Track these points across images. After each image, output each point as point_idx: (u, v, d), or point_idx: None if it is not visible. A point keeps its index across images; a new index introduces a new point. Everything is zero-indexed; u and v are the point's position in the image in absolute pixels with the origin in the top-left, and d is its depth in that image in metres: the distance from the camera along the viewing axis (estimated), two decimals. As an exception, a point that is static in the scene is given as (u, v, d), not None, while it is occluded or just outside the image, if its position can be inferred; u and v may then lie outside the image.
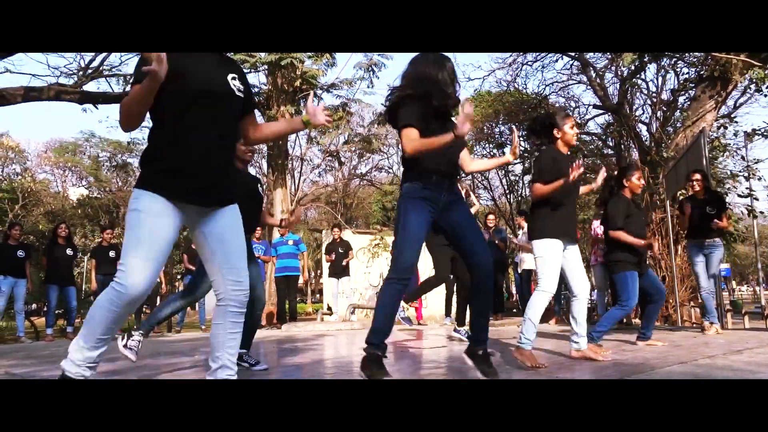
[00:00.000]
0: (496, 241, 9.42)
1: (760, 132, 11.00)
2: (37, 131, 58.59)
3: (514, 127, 3.48)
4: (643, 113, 12.36)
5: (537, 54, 12.21)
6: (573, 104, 14.27)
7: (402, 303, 5.21)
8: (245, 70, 12.73)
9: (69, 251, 8.67)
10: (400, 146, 3.00)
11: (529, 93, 14.20)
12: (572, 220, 3.77)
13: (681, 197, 6.66)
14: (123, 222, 27.80)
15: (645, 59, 9.23)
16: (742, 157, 11.34)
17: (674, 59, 10.31)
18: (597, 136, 13.80)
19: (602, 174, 4.31)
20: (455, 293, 5.48)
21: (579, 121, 13.54)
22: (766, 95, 10.72)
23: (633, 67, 9.92)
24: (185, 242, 12.63)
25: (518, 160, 17.03)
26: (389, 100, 2.96)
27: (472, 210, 5.38)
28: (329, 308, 10.51)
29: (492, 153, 18.37)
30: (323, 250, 11.32)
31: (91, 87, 10.29)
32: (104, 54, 9.80)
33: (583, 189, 4.18)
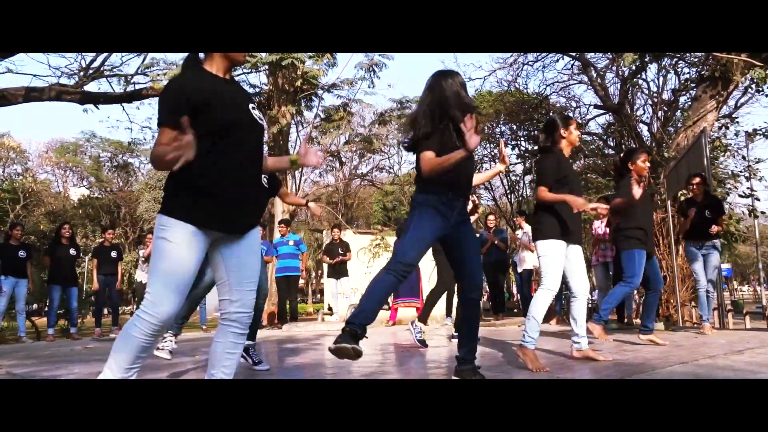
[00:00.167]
0: (497, 242, 9.42)
1: (761, 132, 10.99)
2: (38, 131, 58.72)
3: (501, 141, 3.49)
4: (644, 113, 12.37)
5: (538, 54, 12.21)
6: (574, 104, 14.28)
7: (420, 325, 5.21)
8: (246, 70, 12.79)
9: (72, 251, 8.68)
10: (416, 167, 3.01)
11: (530, 93, 14.20)
12: (576, 220, 3.77)
13: (682, 197, 6.67)
14: (124, 222, 27.87)
15: (646, 59, 9.22)
16: (743, 157, 11.33)
17: (675, 59, 10.30)
18: (598, 136, 13.79)
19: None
20: (456, 294, 5.46)
21: (580, 122, 13.55)
22: (767, 95, 10.72)
23: (634, 67, 9.91)
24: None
25: (519, 160, 17.05)
26: (415, 136, 2.95)
27: (475, 216, 5.40)
28: (330, 308, 10.50)
29: (493, 153, 18.38)
30: (323, 252, 11.31)
31: (92, 87, 10.29)
32: (105, 54, 9.82)
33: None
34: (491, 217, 9.99)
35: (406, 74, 46.64)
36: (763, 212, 10.64)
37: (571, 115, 13.76)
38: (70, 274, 8.73)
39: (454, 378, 3.09)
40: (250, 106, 2.18)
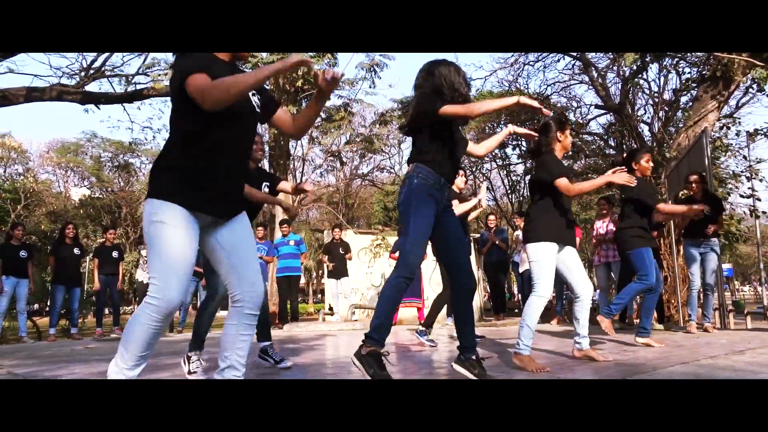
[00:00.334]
0: (498, 242, 9.42)
1: (762, 132, 10.98)
2: (39, 131, 58.72)
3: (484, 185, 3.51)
4: (645, 113, 12.36)
5: (539, 54, 12.20)
6: (575, 104, 14.26)
7: (424, 329, 5.24)
8: (247, 71, 12.79)
9: (76, 251, 8.70)
10: (415, 143, 3.06)
11: (531, 93, 14.18)
12: (567, 222, 3.76)
13: (683, 197, 6.67)
14: (125, 222, 27.88)
15: (647, 59, 9.22)
16: (745, 157, 11.33)
17: (676, 59, 10.29)
18: (599, 136, 13.78)
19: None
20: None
21: (581, 121, 13.54)
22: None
23: (635, 67, 9.90)
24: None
25: (520, 161, 17.04)
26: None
27: (476, 212, 5.41)
28: (331, 308, 10.50)
29: (493, 153, 18.37)
30: (323, 251, 11.31)
31: (93, 87, 10.28)
32: (106, 54, 9.82)
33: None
34: (492, 217, 9.99)
35: (407, 74, 46.53)
36: (764, 212, 10.63)
37: (571, 115, 13.78)
38: (75, 274, 8.74)
39: (454, 366, 3.09)
40: (251, 92, 2.19)
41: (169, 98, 2.32)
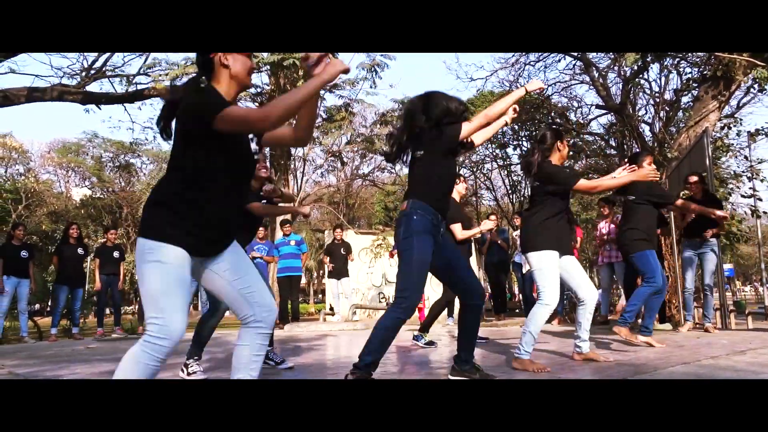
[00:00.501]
0: (499, 241, 9.42)
1: (763, 132, 10.98)
2: (41, 132, 58.74)
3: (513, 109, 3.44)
4: (646, 113, 12.34)
5: (539, 54, 12.17)
6: (576, 104, 14.24)
7: (422, 334, 5.26)
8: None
9: (80, 251, 8.71)
10: (412, 176, 3.08)
11: (532, 93, 14.17)
12: (565, 230, 3.77)
13: (683, 197, 6.67)
14: (125, 222, 27.89)
15: (648, 59, 9.21)
16: (746, 157, 11.32)
17: (677, 59, 10.28)
18: (600, 136, 13.76)
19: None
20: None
21: (582, 122, 13.53)
22: (769, 95, 10.71)
23: (636, 67, 9.89)
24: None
25: (521, 160, 17.01)
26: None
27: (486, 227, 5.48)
28: (331, 308, 10.51)
29: (494, 153, 18.36)
30: (324, 251, 11.31)
31: (94, 87, 10.27)
32: (107, 54, 9.82)
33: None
34: (493, 217, 9.98)
35: (408, 74, 46.62)
36: (765, 212, 10.63)
37: (572, 115, 13.77)
38: (78, 274, 8.74)
39: (450, 377, 3.11)
40: (250, 135, 2.18)
41: None
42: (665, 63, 10.63)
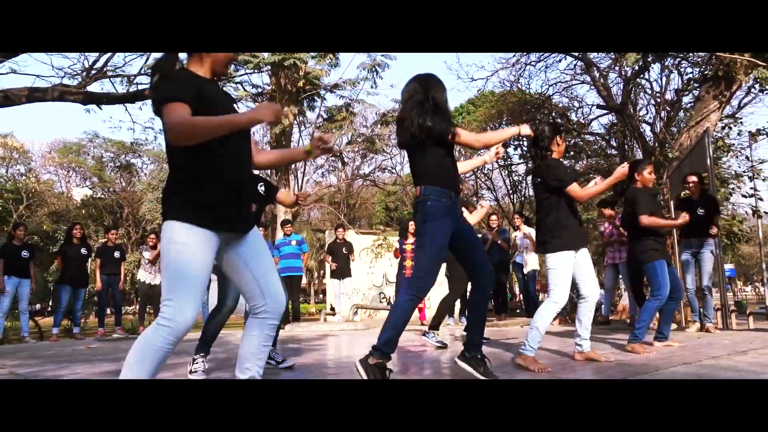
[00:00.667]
0: (499, 242, 9.41)
1: (764, 132, 10.97)
2: (41, 132, 58.76)
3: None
4: (646, 113, 12.33)
5: (540, 54, 12.17)
6: (576, 104, 14.23)
7: (432, 331, 5.25)
8: (248, 71, 12.80)
9: (83, 251, 8.71)
10: (418, 162, 3.09)
11: (533, 93, 14.17)
12: (578, 226, 3.80)
13: (684, 197, 6.68)
14: (126, 222, 27.92)
15: (649, 59, 9.21)
16: (747, 157, 11.31)
17: (678, 59, 10.27)
18: (600, 136, 13.75)
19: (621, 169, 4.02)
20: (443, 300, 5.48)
21: (583, 122, 13.52)
22: (770, 95, 10.69)
23: (637, 67, 9.89)
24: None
25: (521, 161, 17.02)
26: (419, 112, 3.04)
27: (482, 213, 5.44)
28: (332, 308, 10.50)
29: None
30: (326, 250, 11.30)
31: (95, 87, 10.25)
32: (108, 54, 9.82)
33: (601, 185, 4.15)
34: (494, 217, 9.97)
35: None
36: (766, 212, 10.62)
37: (573, 115, 13.75)
38: (81, 274, 8.74)
39: (458, 362, 3.10)
40: (234, 106, 2.21)
41: None
42: (666, 63, 10.62)
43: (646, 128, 11.67)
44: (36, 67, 72.75)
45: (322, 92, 13.87)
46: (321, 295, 32.37)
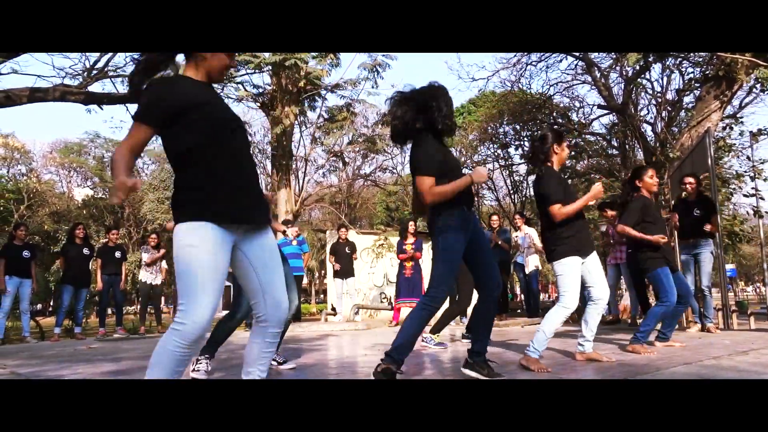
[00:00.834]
0: (500, 242, 9.42)
1: (765, 132, 10.96)
2: (43, 132, 58.84)
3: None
4: (648, 113, 12.34)
5: (541, 54, 12.18)
6: (577, 104, 14.24)
7: (431, 335, 5.24)
8: (249, 71, 12.79)
9: (86, 251, 8.72)
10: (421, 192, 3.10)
11: (534, 93, 14.17)
12: (586, 231, 3.80)
13: (684, 197, 6.68)
14: (128, 222, 27.93)
15: (650, 59, 9.21)
16: (748, 157, 11.31)
17: (679, 59, 10.27)
18: (601, 136, 13.76)
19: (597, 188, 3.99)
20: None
21: (584, 122, 13.52)
22: (771, 95, 10.68)
23: (638, 67, 9.89)
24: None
25: (522, 161, 17.01)
26: (400, 117, 3.07)
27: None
28: (333, 308, 10.50)
29: (496, 153, 18.35)
30: (327, 251, 11.29)
31: (95, 88, 10.26)
32: (109, 55, 9.83)
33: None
34: (495, 217, 9.98)
35: (410, 74, 46.65)
36: (767, 212, 10.61)
37: (574, 115, 13.76)
38: (83, 274, 8.75)
39: (462, 369, 3.15)
40: (223, 106, 2.20)
41: None
42: (667, 63, 10.63)
43: (647, 128, 11.68)
44: (37, 67, 72.85)
45: (323, 92, 13.87)
46: (322, 296, 32.36)
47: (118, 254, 9.00)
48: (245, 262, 2.13)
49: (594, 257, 3.79)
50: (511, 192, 20.46)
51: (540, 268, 9.41)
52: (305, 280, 23.80)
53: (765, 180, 11.02)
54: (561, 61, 12.67)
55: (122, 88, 10.82)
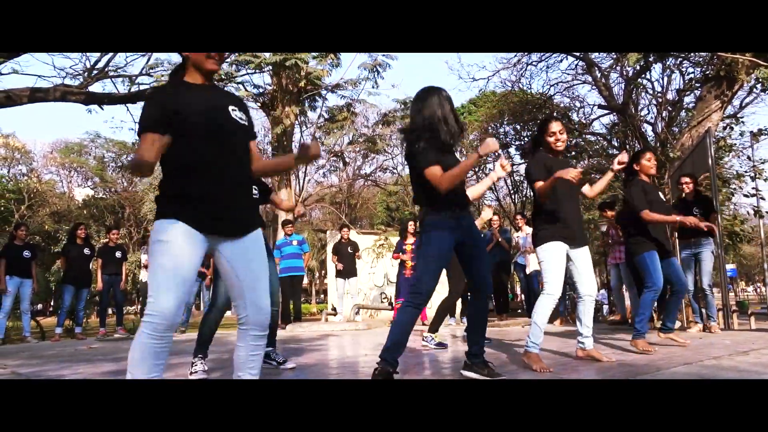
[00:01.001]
0: (500, 239, 9.43)
1: (766, 132, 10.95)
2: (43, 132, 58.91)
3: (501, 154, 3.42)
4: (648, 113, 12.31)
5: (542, 54, 12.17)
6: (578, 104, 14.22)
7: (430, 334, 5.23)
8: (250, 71, 12.81)
9: (87, 251, 8.73)
10: (422, 186, 3.10)
11: (534, 93, 14.16)
12: (578, 221, 3.77)
13: (684, 197, 6.68)
14: (128, 222, 27.95)
15: (650, 59, 9.21)
16: (748, 157, 11.28)
17: (679, 59, 10.26)
18: (602, 136, 13.74)
19: (622, 156, 3.94)
20: (441, 302, 5.47)
21: (584, 122, 13.51)
22: (772, 95, 10.68)
23: (638, 67, 9.88)
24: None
25: (523, 161, 16.99)
26: (406, 146, 3.13)
27: (486, 215, 5.43)
28: (334, 308, 10.50)
29: (496, 153, 18.32)
30: (329, 251, 11.29)
31: (96, 88, 10.25)
32: (110, 55, 9.82)
33: (601, 183, 4.12)
34: (495, 217, 9.97)
35: (410, 74, 46.65)
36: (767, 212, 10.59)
37: (575, 115, 13.74)
38: (84, 274, 8.75)
39: (462, 372, 3.16)
40: (230, 108, 2.18)
41: None
42: (668, 63, 10.61)
43: (648, 128, 11.66)
44: (38, 67, 72.96)
45: (324, 92, 13.88)
46: (322, 295, 32.37)
47: (118, 254, 9.01)
48: (226, 266, 2.15)
49: (584, 252, 3.75)
50: (512, 192, 20.45)
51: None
52: (306, 280, 23.81)
53: (765, 180, 11.00)
54: (561, 61, 12.66)
55: (123, 88, 10.82)
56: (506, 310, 9.99)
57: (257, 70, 12.51)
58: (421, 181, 3.02)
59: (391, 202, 27.37)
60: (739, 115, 11.52)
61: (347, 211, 25.15)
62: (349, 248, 10.14)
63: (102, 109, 10.25)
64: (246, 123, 2.23)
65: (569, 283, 3.90)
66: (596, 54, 11.27)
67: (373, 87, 13.53)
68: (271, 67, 12.31)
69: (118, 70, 10.52)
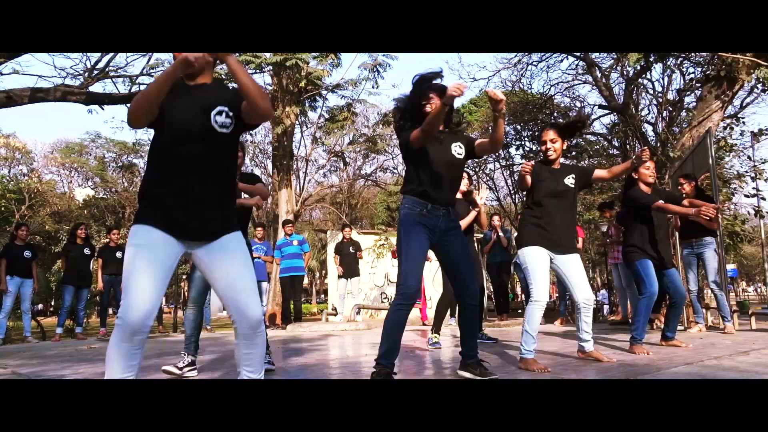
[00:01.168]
0: (500, 235, 9.44)
1: (767, 132, 10.93)
2: (44, 132, 58.82)
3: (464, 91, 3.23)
4: (648, 113, 12.31)
5: (542, 54, 12.16)
6: (578, 104, 14.22)
7: (433, 335, 5.24)
8: (250, 71, 12.79)
9: (87, 251, 8.73)
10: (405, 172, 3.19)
11: (535, 93, 14.16)
12: (563, 228, 3.71)
13: (684, 197, 6.68)
14: (129, 222, 27.92)
15: (650, 59, 9.18)
16: (749, 157, 11.28)
17: (680, 59, 10.25)
18: (602, 136, 13.75)
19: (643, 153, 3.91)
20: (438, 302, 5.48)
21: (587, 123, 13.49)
22: (772, 95, 10.67)
23: (638, 67, 9.86)
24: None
25: (523, 161, 16.97)
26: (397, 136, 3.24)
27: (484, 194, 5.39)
28: (334, 309, 10.50)
29: (496, 153, 18.31)
30: (329, 251, 11.29)
31: (96, 88, 10.26)
32: (110, 55, 9.84)
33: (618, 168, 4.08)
34: (496, 217, 9.98)
35: (410, 74, 46.51)
36: (768, 212, 10.58)
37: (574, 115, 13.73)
38: (84, 274, 8.76)
39: (459, 372, 3.17)
40: (217, 110, 2.12)
41: None
42: (668, 63, 10.60)
43: (648, 128, 11.66)
44: (38, 67, 73.05)
45: (324, 92, 13.88)
46: (323, 295, 32.36)
47: (119, 254, 9.00)
48: (205, 269, 2.18)
49: (572, 259, 3.73)
50: (512, 192, 20.44)
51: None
52: (306, 281, 23.81)
53: (766, 180, 10.99)
54: (562, 61, 12.65)
55: (123, 88, 10.83)
56: (506, 311, 9.99)
57: (258, 70, 12.50)
58: (408, 161, 3.11)
59: (391, 202, 27.34)
60: (739, 115, 11.51)
61: (348, 211, 25.16)
62: (351, 248, 10.14)
63: (102, 109, 10.26)
64: (227, 130, 2.15)
65: (567, 288, 3.88)
66: (596, 54, 11.27)
67: (373, 87, 13.53)
68: (271, 67, 12.31)
69: (119, 70, 10.53)
